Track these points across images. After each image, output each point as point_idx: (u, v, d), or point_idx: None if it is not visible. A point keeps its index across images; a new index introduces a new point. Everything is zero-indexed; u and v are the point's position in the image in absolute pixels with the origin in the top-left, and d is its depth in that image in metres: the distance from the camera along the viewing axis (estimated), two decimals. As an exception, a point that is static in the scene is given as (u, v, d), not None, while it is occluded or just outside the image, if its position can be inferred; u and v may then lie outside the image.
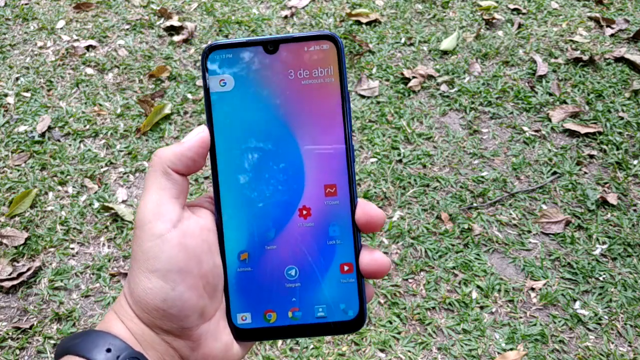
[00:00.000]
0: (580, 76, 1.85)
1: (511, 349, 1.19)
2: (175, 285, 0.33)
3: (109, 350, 0.32)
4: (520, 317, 1.25)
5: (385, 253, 1.37)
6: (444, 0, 2.18)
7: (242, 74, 0.38)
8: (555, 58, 1.92)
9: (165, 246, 0.33)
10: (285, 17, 2.10)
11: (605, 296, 1.28)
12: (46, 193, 1.49)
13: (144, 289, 0.34)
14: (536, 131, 1.68)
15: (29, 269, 1.31)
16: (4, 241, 1.37)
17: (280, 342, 1.20)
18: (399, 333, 1.22)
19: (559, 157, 1.59)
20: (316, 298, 0.38)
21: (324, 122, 0.38)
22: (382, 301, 1.28)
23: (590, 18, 2.11)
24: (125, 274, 1.30)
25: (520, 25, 2.07)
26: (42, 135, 1.64)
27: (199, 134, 0.36)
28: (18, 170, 1.55)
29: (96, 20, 2.08)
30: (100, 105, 1.74)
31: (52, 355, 1.18)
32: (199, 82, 1.82)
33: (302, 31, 2.04)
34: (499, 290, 1.29)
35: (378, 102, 1.75)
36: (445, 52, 1.95)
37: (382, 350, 1.19)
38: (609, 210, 1.46)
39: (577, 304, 1.27)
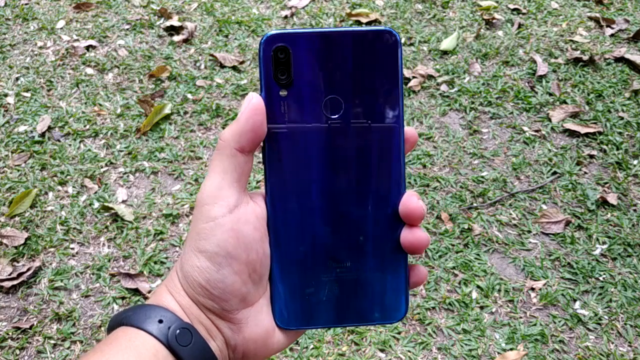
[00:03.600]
0: (580, 76, 1.85)
1: (511, 349, 1.19)
2: (220, 268, 0.35)
3: (160, 321, 0.34)
4: (520, 317, 1.25)
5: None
6: (444, 0, 2.18)
7: None
8: (555, 58, 1.92)
9: (217, 230, 0.35)
10: (285, 17, 2.10)
11: (605, 296, 1.28)
12: (46, 193, 1.49)
13: (191, 266, 0.35)
14: (536, 131, 1.68)
15: (29, 269, 1.31)
16: (4, 241, 1.37)
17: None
18: (399, 333, 1.22)
19: (559, 157, 1.59)
20: None
21: None
22: (382, 301, 1.28)
23: (590, 18, 2.11)
24: (125, 274, 1.30)
25: (520, 25, 2.07)
26: (42, 135, 1.64)
27: (249, 102, 0.35)
28: (18, 170, 1.55)
29: (96, 20, 2.08)
30: (100, 105, 1.74)
31: (53, 356, 1.18)
32: (199, 82, 1.82)
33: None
34: (499, 290, 1.29)
35: (378, 102, 1.75)
36: (445, 52, 1.95)
37: (382, 350, 1.19)
38: (609, 210, 1.46)
39: (577, 304, 1.27)
